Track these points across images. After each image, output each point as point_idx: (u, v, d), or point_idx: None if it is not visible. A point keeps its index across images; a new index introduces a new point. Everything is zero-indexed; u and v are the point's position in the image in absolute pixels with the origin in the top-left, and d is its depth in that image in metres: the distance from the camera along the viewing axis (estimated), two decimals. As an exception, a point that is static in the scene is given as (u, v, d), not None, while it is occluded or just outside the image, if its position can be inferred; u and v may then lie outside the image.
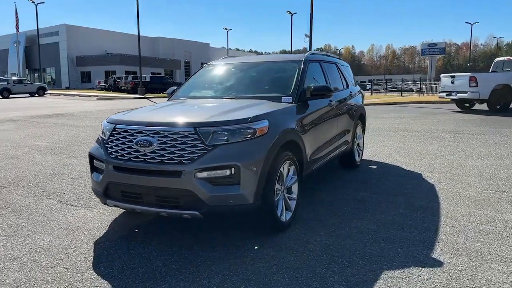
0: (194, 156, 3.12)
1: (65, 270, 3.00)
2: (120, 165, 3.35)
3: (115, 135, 3.47)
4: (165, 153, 3.18)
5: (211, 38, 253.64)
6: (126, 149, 3.35)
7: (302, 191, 4.20)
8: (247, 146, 3.22)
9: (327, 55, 5.74)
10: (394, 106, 20.10)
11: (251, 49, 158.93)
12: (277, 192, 3.54)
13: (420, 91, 35.78)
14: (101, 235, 3.65)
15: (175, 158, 3.15)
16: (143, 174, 3.25)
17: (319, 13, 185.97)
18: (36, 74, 58.13)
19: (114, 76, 43.85)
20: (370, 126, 11.30)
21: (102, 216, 4.13)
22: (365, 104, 7.41)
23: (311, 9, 25.27)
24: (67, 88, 51.12)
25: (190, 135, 3.17)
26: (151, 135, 3.26)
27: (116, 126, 3.50)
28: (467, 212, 4.13)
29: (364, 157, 6.90)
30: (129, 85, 37.45)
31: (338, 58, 6.29)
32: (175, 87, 5.12)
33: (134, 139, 3.31)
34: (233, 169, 3.11)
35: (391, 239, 3.46)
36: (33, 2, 43.24)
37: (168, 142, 3.20)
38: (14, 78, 37.01)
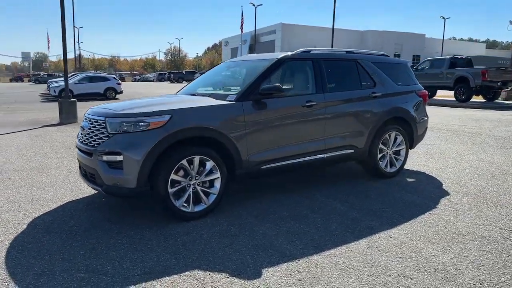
0: (101, 142, 3.80)
1: (23, 214, 4.16)
2: (76, 144, 4.31)
3: (83, 120, 4.45)
4: (89, 137, 3.97)
5: (431, 29, 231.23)
6: (80, 132, 4.29)
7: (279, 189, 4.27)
8: (137, 137, 3.68)
9: (349, 52, 5.30)
10: None
11: (488, 39, 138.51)
12: (181, 183, 3.85)
13: None
14: (81, 197, 4.71)
15: (92, 142, 3.90)
16: (82, 153, 4.11)
17: None
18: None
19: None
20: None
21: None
22: None
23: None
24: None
25: (102, 123, 3.86)
26: (88, 121, 4.09)
27: (85, 113, 4.46)
28: (401, 242, 3.45)
29: (424, 170, 5.99)
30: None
31: (380, 55, 5.66)
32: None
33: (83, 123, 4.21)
34: (120, 155, 3.65)
35: (261, 247, 3.35)
36: (253, 4, 49.50)
37: (92, 128, 3.97)
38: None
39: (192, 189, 3.93)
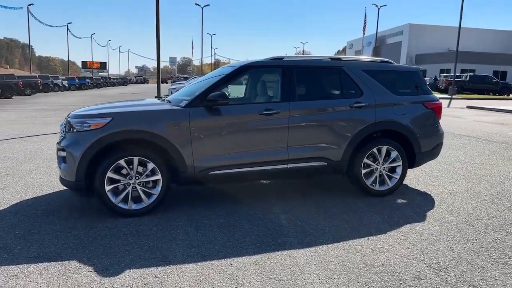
0: (63, 139, 4.35)
1: (20, 196, 4.95)
2: (61, 141, 4.96)
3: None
4: (60, 134, 4.56)
5: None
6: (64, 130, 4.92)
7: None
8: (78, 136, 4.12)
9: (334, 59, 4.94)
10: None
11: None
12: (121, 181, 4.17)
13: None
14: (76, 187, 5.38)
15: (60, 139, 4.48)
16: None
17: None
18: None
19: (444, 74, 42.24)
20: None
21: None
22: None
23: None
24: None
25: (66, 123, 4.40)
26: (65, 121, 4.69)
27: None
28: (295, 263, 3.21)
29: (433, 192, 5.28)
30: (443, 84, 35.32)
31: (380, 62, 5.14)
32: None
33: None
34: (64, 151, 4.14)
35: (153, 250, 3.47)
36: (376, 5, 47.38)
37: (63, 127, 4.55)
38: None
39: (132, 188, 4.21)
